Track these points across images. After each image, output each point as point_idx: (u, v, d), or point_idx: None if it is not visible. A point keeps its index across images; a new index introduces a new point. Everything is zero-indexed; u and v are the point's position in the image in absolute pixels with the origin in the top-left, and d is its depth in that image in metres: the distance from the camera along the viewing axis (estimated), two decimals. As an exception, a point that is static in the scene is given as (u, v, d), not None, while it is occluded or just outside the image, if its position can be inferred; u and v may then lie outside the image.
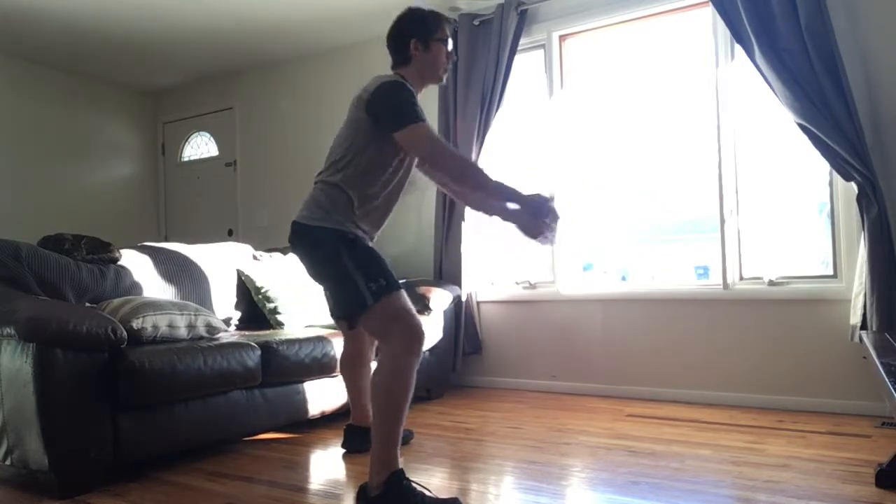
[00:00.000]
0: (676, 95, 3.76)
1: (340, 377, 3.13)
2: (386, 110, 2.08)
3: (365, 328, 2.22)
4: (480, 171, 2.14)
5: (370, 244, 2.21)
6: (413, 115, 2.05)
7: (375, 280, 2.05)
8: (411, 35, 2.24)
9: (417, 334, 2.06)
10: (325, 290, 2.26)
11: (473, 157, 3.97)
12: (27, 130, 5.00)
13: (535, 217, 2.10)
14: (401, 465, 2.02)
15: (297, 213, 2.20)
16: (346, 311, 2.14)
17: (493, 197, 2.16)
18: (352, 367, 2.68)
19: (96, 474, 2.29)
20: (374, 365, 2.67)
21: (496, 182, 2.09)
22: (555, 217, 2.10)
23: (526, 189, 2.11)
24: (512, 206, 2.18)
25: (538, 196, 2.12)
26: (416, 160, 2.32)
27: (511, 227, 2.21)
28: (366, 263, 2.08)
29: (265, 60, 5.18)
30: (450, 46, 2.31)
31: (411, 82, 2.20)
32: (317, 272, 2.20)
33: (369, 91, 2.12)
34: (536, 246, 2.19)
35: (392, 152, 2.16)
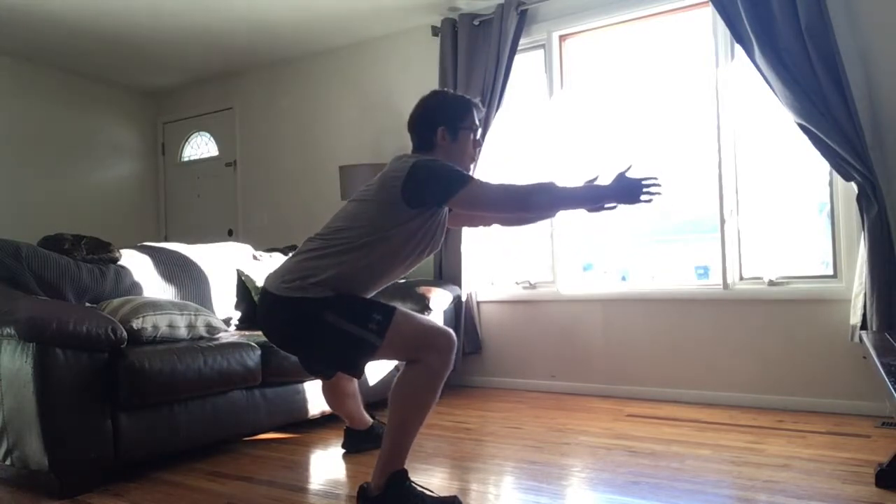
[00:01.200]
0: (676, 95, 3.76)
1: (340, 377, 3.14)
2: (434, 182, 1.96)
3: (391, 359, 2.16)
4: (557, 191, 2.00)
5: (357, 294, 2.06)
6: (466, 175, 1.98)
7: (371, 319, 1.94)
8: (439, 122, 2.11)
9: (450, 342, 1.98)
10: (313, 357, 2.14)
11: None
12: (27, 130, 5.00)
13: (629, 197, 2.00)
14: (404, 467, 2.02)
15: (270, 282, 2.04)
16: (352, 364, 2.04)
17: (580, 206, 2.06)
18: (336, 398, 2.60)
19: (96, 474, 2.29)
20: (356, 386, 2.61)
21: (578, 192, 2.01)
22: (643, 183, 1.99)
23: (600, 190, 2.00)
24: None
25: (621, 180, 1.99)
26: (442, 236, 2.22)
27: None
28: (352, 310, 1.97)
29: (265, 60, 5.19)
30: (478, 134, 2.21)
31: None
32: (300, 345, 2.08)
33: (403, 171, 1.98)
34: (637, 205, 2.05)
35: (413, 236, 2.04)
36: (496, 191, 2.01)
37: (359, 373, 2.07)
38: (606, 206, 2.07)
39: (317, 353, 2.10)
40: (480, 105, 2.25)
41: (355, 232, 2.02)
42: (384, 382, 3.30)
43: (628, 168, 2.03)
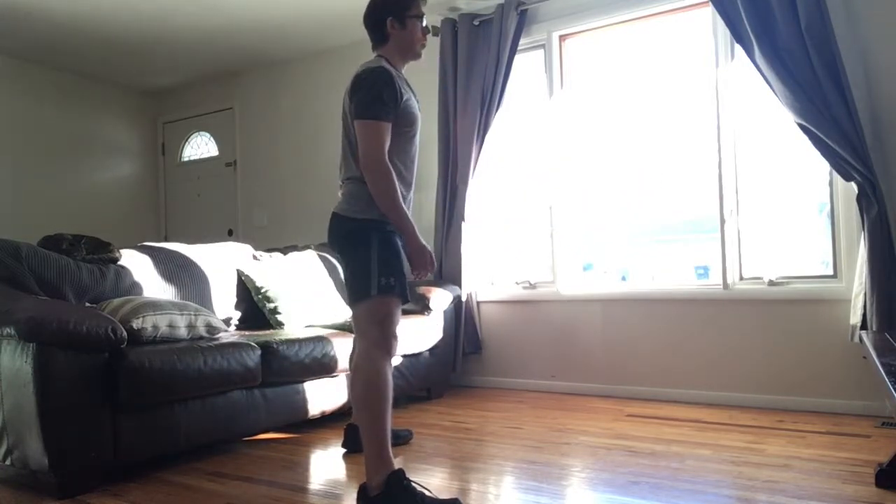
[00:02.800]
0: (676, 95, 3.76)
1: (340, 377, 3.14)
2: (357, 98, 2.11)
3: (354, 316, 2.22)
4: (390, 198, 2.10)
5: (402, 245, 2.20)
6: (375, 110, 2.08)
7: (388, 276, 2.09)
8: (387, 14, 2.27)
9: (388, 344, 2.12)
10: (347, 272, 2.26)
11: (473, 157, 3.98)
12: (27, 130, 5.00)
13: (412, 259, 2.17)
14: (398, 465, 2.03)
15: (336, 206, 2.22)
16: (352, 295, 2.17)
17: (390, 218, 2.16)
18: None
19: (96, 474, 2.29)
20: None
21: (397, 214, 2.11)
22: (424, 266, 2.17)
23: (414, 237, 2.14)
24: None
25: (422, 248, 2.15)
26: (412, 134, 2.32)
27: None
28: (388, 260, 2.12)
29: (265, 60, 5.19)
30: (424, 22, 2.34)
31: (392, 60, 2.23)
32: (347, 258, 2.22)
33: (351, 79, 2.18)
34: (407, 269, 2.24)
35: (398, 141, 2.17)
36: (373, 147, 2.08)
37: (353, 298, 2.17)
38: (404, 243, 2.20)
39: (349, 265, 2.19)
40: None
41: (354, 150, 2.17)
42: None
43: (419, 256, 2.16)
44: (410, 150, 2.25)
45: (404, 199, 2.22)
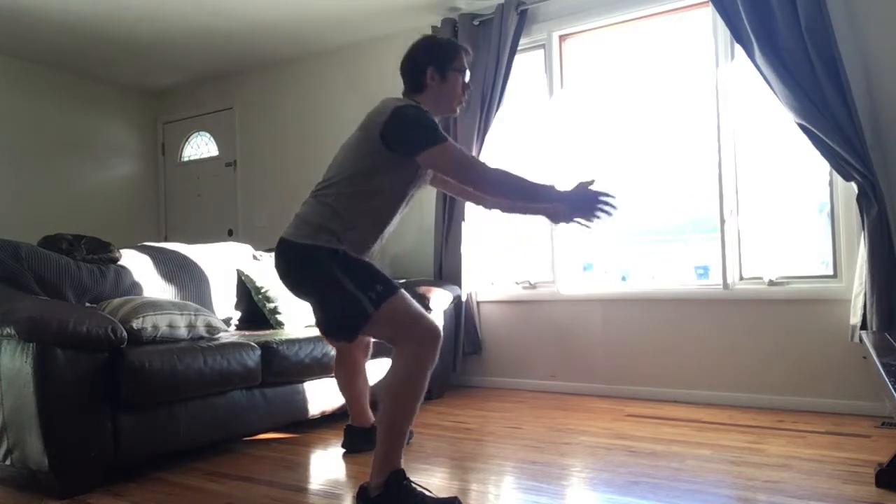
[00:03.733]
0: (676, 95, 3.76)
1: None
2: (409, 132, 2.01)
3: (376, 336, 2.19)
4: (519, 180, 2.01)
5: (360, 257, 2.14)
6: (439, 134, 2.00)
7: (372, 288, 2.01)
8: (428, 63, 2.17)
9: (433, 336, 2.01)
10: (318, 309, 2.19)
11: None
12: (27, 130, 5.00)
13: (581, 209, 2.03)
14: (402, 466, 2.02)
15: (285, 230, 2.15)
16: (346, 326, 2.08)
17: (535, 201, 2.08)
18: (347, 375, 2.65)
19: (96, 474, 2.29)
20: (368, 368, 2.69)
21: (537, 186, 2.01)
22: (599, 199, 2.00)
23: (562, 193, 2.02)
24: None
25: (580, 189, 2.03)
26: (427, 181, 2.28)
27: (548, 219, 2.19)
28: (358, 274, 2.04)
29: (265, 60, 5.18)
30: (467, 77, 2.25)
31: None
32: (306, 290, 2.15)
33: (384, 114, 2.04)
34: (585, 230, 2.10)
35: (403, 180, 2.11)
36: (461, 159, 2.03)
37: (350, 336, 2.12)
38: (564, 219, 2.13)
39: (319, 302, 2.15)
40: (469, 49, 2.30)
41: (345, 178, 2.10)
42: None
43: (591, 182, 2.06)
44: (407, 191, 2.15)
45: (367, 246, 2.13)
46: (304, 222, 2.12)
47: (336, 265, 2.04)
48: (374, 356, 3.12)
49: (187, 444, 2.58)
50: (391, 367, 2.05)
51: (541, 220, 3.36)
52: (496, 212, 2.48)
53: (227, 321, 3.47)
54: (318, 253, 2.05)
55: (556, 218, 2.22)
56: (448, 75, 2.19)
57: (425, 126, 2.01)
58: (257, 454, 2.74)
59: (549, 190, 2.04)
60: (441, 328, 2.06)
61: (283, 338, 3.00)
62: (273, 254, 2.21)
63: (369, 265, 2.11)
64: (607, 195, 2.03)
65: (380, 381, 3.28)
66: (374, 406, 2.95)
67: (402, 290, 2.08)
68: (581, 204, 2.03)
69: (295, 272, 2.14)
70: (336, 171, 2.15)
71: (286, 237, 2.14)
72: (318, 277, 2.06)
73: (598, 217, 2.04)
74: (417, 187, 2.23)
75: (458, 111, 2.29)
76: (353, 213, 2.09)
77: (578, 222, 2.11)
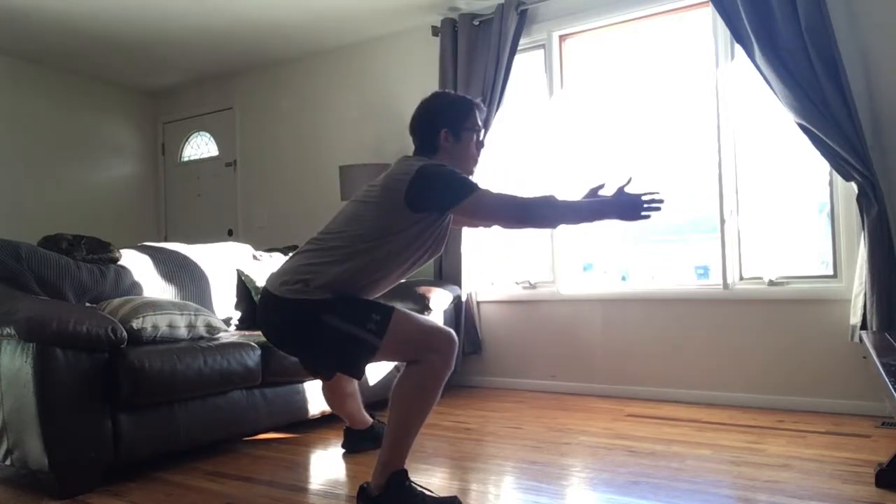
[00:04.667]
0: (676, 95, 3.76)
1: (340, 377, 3.14)
2: (440, 188, 1.96)
3: (392, 361, 2.15)
4: (563, 212, 2.00)
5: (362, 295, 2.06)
6: (472, 184, 1.97)
7: (369, 319, 1.94)
8: (442, 125, 2.11)
9: (450, 342, 1.98)
10: (314, 358, 2.14)
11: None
12: (27, 130, 5.00)
13: (629, 215, 2.00)
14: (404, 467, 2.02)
15: (271, 283, 2.05)
16: (352, 365, 2.03)
17: (579, 221, 2.08)
18: (338, 399, 2.61)
19: (96, 474, 2.29)
20: (355, 386, 2.61)
21: (584, 207, 1.99)
22: (643, 200, 1.98)
23: (609, 203, 2.00)
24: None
25: (621, 195, 2.00)
26: (448, 235, 2.21)
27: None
28: (349, 310, 1.96)
29: (265, 60, 5.18)
30: (481, 136, 2.20)
31: None
32: (300, 346, 2.09)
33: (409, 175, 1.97)
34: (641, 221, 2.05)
35: (415, 240, 2.04)
36: (500, 201, 2.01)
37: (359, 374, 2.06)
38: (600, 219, 2.08)
39: (316, 354, 2.10)
40: (482, 105, 2.25)
41: (357, 235, 2.01)
42: (384, 383, 3.30)
43: (628, 182, 2.03)
44: (418, 249, 2.07)
45: (372, 294, 2.06)
46: (296, 274, 2.00)
47: (328, 313, 1.95)
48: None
49: (187, 444, 2.58)
50: (408, 371, 1.99)
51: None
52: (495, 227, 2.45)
53: (227, 321, 3.46)
54: (312, 306, 1.96)
55: (623, 217, 2.12)
56: (462, 135, 2.14)
57: (455, 179, 1.97)
58: (257, 454, 2.74)
59: (593, 207, 2.00)
60: (453, 333, 2.03)
61: (283, 338, 3.00)
62: (258, 313, 2.12)
63: (356, 297, 2.02)
64: (651, 193, 2.00)
65: (384, 382, 3.29)
66: (373, 406, 2.95)
67: (398, 308, 2.03)
68: (628, 211, 1.99)
69: (286, 330, 2.06)
70: (344, 225, 2.06)
71: (275, 292, 2.01)
72: (312, 331, 1.97)
73: (649, 216, 2.00)
74: (430, 248, 2.13)
75: (474, 172, 2.22)
76: (356, 268, 2.00)
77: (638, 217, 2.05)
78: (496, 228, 2.40)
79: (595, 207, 2.02)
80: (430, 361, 1.96)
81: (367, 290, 2.08)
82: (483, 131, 2.23)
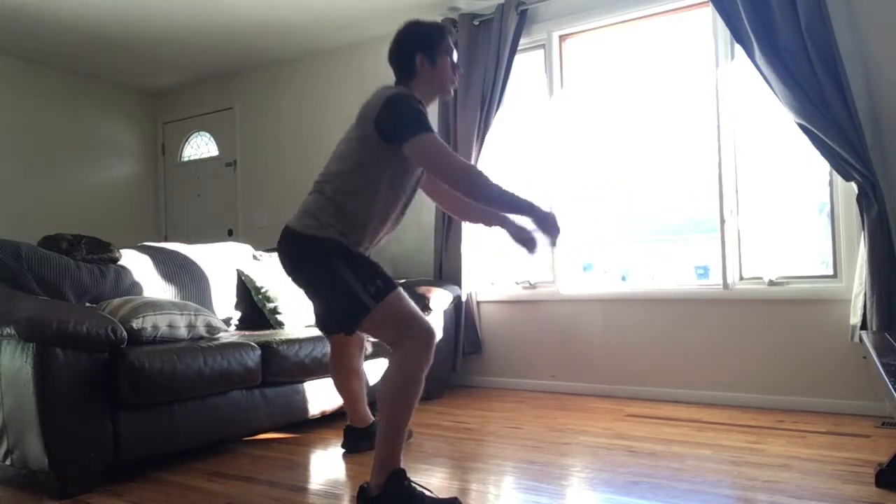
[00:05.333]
0: (676, 95, 3.76)
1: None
2: (396, 120, 2.01)
3: (373, 335, 2.19)
4: (488, 182, 2.02)
5: (362, 251, 2.15)
6: (422, 125, 2.00)
7: (373, 283, 2.02)
8: (416, 50, 2.18)
9: (429, 336, 2.03)
10: (317, 301, 2.19)
11: (473, 157, 3.97)
12: (27, 130, 5.00)
13: (541, 229, 2.06)
14: (402, 466, 2.02)
15: (291, 219, 2.16)
16: (346, 319, 2.08)
17: (503, 208, 2.10)
18: (343, 376, 2.64)
19: (96, 474, 2.29)
20: (365, 369, 2.68)
21: (506, 193, 2.02)
22: (557, 231, 2.05)
23: (537, 208, 2.04)
24: (513, 217, 2.18)
25: (550, 214, 2.05)
26: (423, 180, 2.28)
27: (506, 235, 2.24)
28: (359, 268, 2.05)
29: (265, 60, 5.19)
30: (455, 57, 2.26)
31: (419, 97, 2.12)
32: (306, 280, 2.15)
33: (378, 104, 2.05)
34: (524, 254, 2.17)
35: (400, 173, 2.11)
36: (444, 154, 2.03)
37: (348, 329, 2.13)
38: (508, 227, 2.21)
39: (318, 294, 2.15)
40: (452, 28, 2.29)
41: (346, 172, 2.11)
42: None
43: (556, 213, 2.11)
44: (407, 185, 2.17)
45: (364, 241, 2.13)
46: (308, 213, 2.12)
47: (338, 257, 2.04)
48: (372, 357, 3.13)
49: (187, 444, 2.58)
50: (388, 368, 2.07)
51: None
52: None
53: (227, 321, 3.47)
54: (322, 244, 2.06)
55: (516, 236, 2.24)
56: (437, 60, 2.20)
57: (412, 115, 2.02)
58: (257, 454, 2.74)
59: (522, 201, 2.04)
60: (440, 328, 2.07)
61: (283, 338, 3.00)
62: (277, 246, 2.22)
63: (370, 260, 2.12)
64: (559, 234, 2.06)
65: (378, 382, 3.30)
66: (373, 406, 2.96)
67: (401, 289, 2.08)
68: (548, 224, 2.05)
69: (297, 262, 2.15)
70: (335, 165, 2.16)
71: (291, 227, 2.15)
72: (320, 269, 2.07)
73: (554, 242, 2.08)
74: (414, 184, 2.23)
75: (452, 92, 2.30)
76: (352, 208, 2.09)
77: (533, 244, 2.16)
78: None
79: (524, 202, 2.04)
80: (407, 349, 2.01)
81: (367, 229, 2.13)
82: (455, 52, 2.28)
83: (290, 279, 2.22)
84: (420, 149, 2.00)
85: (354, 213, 2.10)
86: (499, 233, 2.31)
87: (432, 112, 4.12)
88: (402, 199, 2.20)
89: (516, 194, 2.04)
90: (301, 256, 2.13)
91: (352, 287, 2.01)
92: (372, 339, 2.67)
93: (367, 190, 2.10)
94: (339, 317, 2.12)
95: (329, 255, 2.05)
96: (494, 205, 2.08)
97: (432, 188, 2.44)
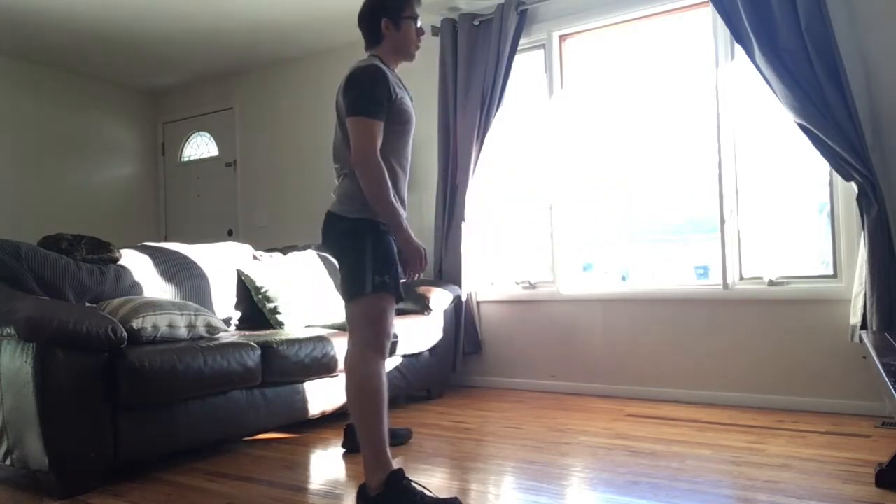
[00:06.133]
0: (676, 95, 3.76)
1: (340, 377, 3.14)
2: (350, 94, 2.10)
3: (347, 314, 2.21)
4: (380, 188, 2.08)
5: (395, 244, 2.19)
6: (359, 107, 2.07)
7: (382, 274, 2.09)
8: (381, 14, 2.25)
9: (381, 344, 2.12)
10: (342, 269, 2.25)
11: (473, 157, 3.98)
12: (27, 130, 5.00)
13: (402, 258, 2.17)
14: (397, 465, 2.03)
15: (332, 205, 2.21)
16: (347, 289, 2.15)
17: (382, 216, 2.14)
18: None
19: (96, 474, 2.29)
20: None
21: (387, 209, 2.09)
22: (415, 268, 2.18)
23: (405, 233, 2.13)
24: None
25: (409, 245, 2.15)
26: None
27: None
28: (381, 258, 2.11)
29: (265, 60, 5.19)
30: (419, 23, 2.34)
31: (385, 60, 2.23)
32: (341, 257, 2.22)
33: (342, 83, 2.16)
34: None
35: (393, 139, 2.16)
36: (363, 141, 2.06)
37: (345, 298, 2.17)
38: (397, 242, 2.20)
39: (344, 262, 2.19)
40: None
41: (348, 156, 2.15)
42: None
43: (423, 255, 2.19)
44: (405, 149, 2.24)
45: (400, 200, 2.20)
46: (345, 198, 2.17)
47: (373, 236, 2.11)
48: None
49: (187, 444, 2.58)
50: (347, 367, 2.14)
51: (540, 221, 3.33)
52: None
53: (227, 321, 3.46)
54: (360, 225, 2.12)
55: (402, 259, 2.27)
56: (402, 24, 2.27)
57: (358, 95, 2.09)
58: (257, 454, 2.74)
59: (399, 218, 2.12)
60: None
61: (283, 338, 3.00)
62: (322, 230, 2.24)
63: (395, 255, 2.16)
64: (420, 269, 2.19)
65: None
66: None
67: (395, 300, 2.15)
68: (412, 252, 2.15)
69: (339, 238, 2.19)
70: (339, 149, 2.22)
71: (334, 211, 2.20)
72: (354, 246, 2.12)
73: (410, 274, 2.19)
74: (401, 135, 2.25)
75: (415, 56, 2.36)
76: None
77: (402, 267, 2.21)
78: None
79: (401, 227, 2.13)
80: (361, 347, 2.10)
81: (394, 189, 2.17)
82: (419, 18, 2.34)
83: (334, 259, 2.28)
84: (352, 128, 2.08)
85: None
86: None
87: (432, 111, 4.14)
88: (406, 163, 2.25)
89: (396, 214, 2.11)
90: (341, 234, 2.18)
91: (366, 266, 2.09)
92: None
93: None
94: (346, 284, 2.17)
95: (365, 233, 2.12)
96: (377, 207, 2.11)
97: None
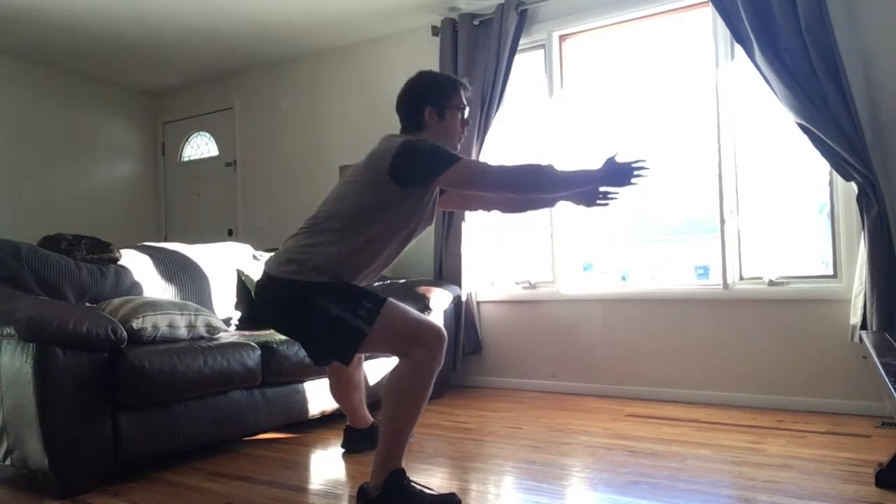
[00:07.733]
0: (676, 95, 3.76)
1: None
2: (426, 160, 1.98)
3: (380, 352, 2.16)
4: (548, 171, 2.01)
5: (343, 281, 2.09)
6: (453, 155, 1.99)
7: (360, 306, 1.97)
8: (426, 103, 2.15)
9: (439, 338, 1.99)
10: (308, 343, 2.15)
11: (473, 156, 3.97)
12: (27, 130, 5.00)
13: (618, 180, 2.05)
14: (402, 466, 2.02)
15: (269, 265, 2.09)
16: (342, 350, 2.04)
17: (572, 188, 2.06)
18: (342, 388, 2.61)
19: (96, 474, 2.29)
20: (361, 378, 2.64)
21: (572, 174, 2.02)
22: (631, 166, 2.04)
23: (593, 172, 2.04)
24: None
25: (610, 164, 2.03)
26: (432, 216, 2.23)
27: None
28: (342, 296, 1.99)
29: (265, 60, 5.18)
30: (466, 114, 2.23)
31: None
32: (294, 327, 2.12)
33: (392, 151, 2.01)
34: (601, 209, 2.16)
35: (406, 215, 2.07)
36: (487, 169, 2.02)
37: (346, 360, 2.07)
38: (600, 196, 2.15)
39: (306, 337, 2.12)
40: (467, 84, 2.27)
41: (346, 215, 2.05)
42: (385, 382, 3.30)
43: (616, 154, 2.07)
44: (397, 237, 2.10)
45: (368, 272, 2.08)
46: (290, 258, 2.04)
47: (320, 295, 1.98)
48: (371, 357, 3.12)
49: (187, 444, 2.58)
50: (397, 369, 2.02)
51: (540, 221, 3.33)
52: (495, 213, 2.48)
53: (227, 321, 3.46)
54: (306, 289, 1.99)
55: (579, 200, 2.22)
56: (447, 114, 2.17)
57: (436, 151, 2.00)
58: (257, 454, 2.74)
59: (583, 174, 2.04)
60: (442, 329, 2.05)
61: (283, 338, 3.00)
62: (257, 295, 2.16)
63: (351, 285, 2.05)
64: (638, 161, 2.04)
65: (383, 380, 3.30)
66: (373, 406, 2.95)
67: (391, 299, 2.04)
68: (618, 177, 2.03)
69: (281, 310, 2.09)
70: (331, 206, 2.10)
71: (272, 273, 2.06)
72: (305, 312, 2.00)
73: (635, 183, 2.04)
74: (421, 223, 2.17)
75: (458, 148, 2.24)
76: (347, 248, 2.03)
77: (605, 197, 2.13)
78: (496, 214, 2.41)
79: (585, 174, 2.04)
80: (417, 357, 1.96)
81: (359, 272, 2.09)
82: (467, 108, 2.25)
83: (274, 329, 2.19)
84: (457, 178, 1.98)
85: (349, 255, 2.03)
86: (565, 204, 2.29)
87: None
88: (397, 240, 2.13)
89: (572, 171, 2.03)
90: (283, 304, 2.06)
91: (340, 318, 1.96)
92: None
93: (368, 233, 2.04)
94: (333, 349, 2.06)
95: (312, 297, 1.98)
96: (559, 190, 2.05)
97: (462, 203, 2.44)
